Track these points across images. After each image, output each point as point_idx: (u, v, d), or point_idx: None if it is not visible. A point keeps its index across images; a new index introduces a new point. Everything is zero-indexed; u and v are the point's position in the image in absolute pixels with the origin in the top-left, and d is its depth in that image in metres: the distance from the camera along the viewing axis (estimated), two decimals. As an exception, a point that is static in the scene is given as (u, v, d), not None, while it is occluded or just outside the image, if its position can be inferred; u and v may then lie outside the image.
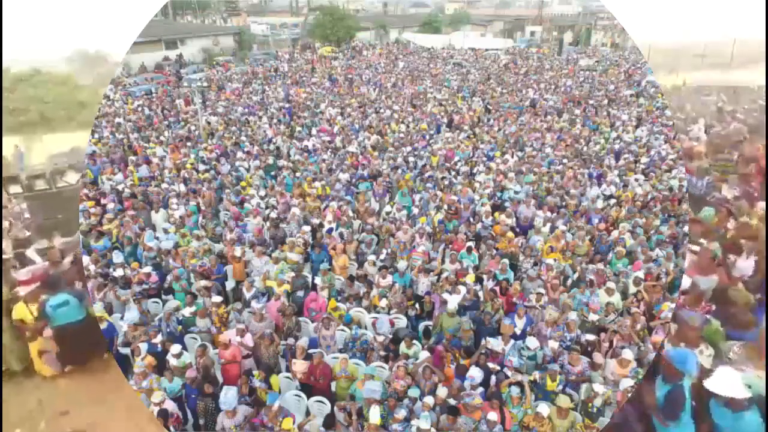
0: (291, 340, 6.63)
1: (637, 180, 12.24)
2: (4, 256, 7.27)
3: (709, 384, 3.97)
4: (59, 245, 7.93)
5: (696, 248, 6.64)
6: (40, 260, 7.44)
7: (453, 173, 12.77)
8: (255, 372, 6.05)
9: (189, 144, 15.09)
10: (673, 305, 6.73)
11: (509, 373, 6.10)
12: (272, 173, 12.95)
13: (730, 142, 11.44)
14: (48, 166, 10.59)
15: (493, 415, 5.26)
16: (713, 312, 5.54)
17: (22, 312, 6.27)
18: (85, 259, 8.32)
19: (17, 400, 6.13)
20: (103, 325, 6.65)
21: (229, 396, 5.36)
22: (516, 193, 11.42)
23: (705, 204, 8.53)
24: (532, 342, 6.33)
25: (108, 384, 6.41)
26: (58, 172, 9.28)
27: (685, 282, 5.99)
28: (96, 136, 15.74)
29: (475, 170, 13.01)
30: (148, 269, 8.17)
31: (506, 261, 8.54)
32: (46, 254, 7.59)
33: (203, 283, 7.94)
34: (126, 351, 6.79)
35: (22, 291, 6.42)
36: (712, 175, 9.60)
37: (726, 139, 11.74)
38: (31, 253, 7.62)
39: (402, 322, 7.47)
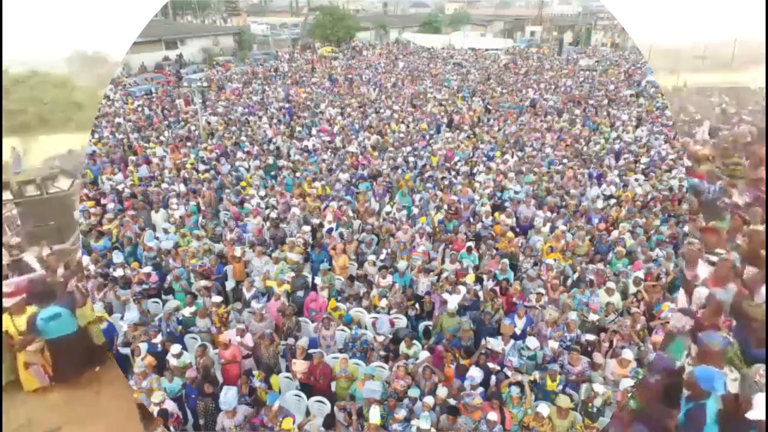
0: (291, 340, 6.64)
1: (637, 180, 12.24)
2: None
3: (751, 415, 3.75)
4: (48, 254, 7.74)
5: (714, 259, 6.25)
6: (39, 267, 7.30)
7: (453, 173, 12.77)
8: (255, 372, 6.05)
9: (189, 144, 15.09)
10: (673, 305, 6.71)
11: (509, 373, 6.10)
12: (272, 173, 12.96)
13: (739, 145, 11.03)
14: (45, 169, 10.48)
15: (493, 415, 5.26)
16: (734, 329, 5.24)
17: (6, 324, 6.11)
18: (85, 259, 8.33)
19: (6, 415, 5.91)
20: (103, 325, 6.64)
21: (229, 396, 5.36)
22: (516, 193, 11.42)
23: (716, 210, 8.11)
24: (532, 342, 6.33)
25: (102, 397, 6.27)
26: (50, 178, 8.96)
27: (702, 293, 5.62)
28: (96, 136, 15.74)
29: (475, 170, 13.01)
30: (148, 269, 8.17)
31: (506, 261, 8.54)
32: (45, 262, 7.45)
33: (203, 283, 7.94)
34: (126, 351, 6.78)
35: (6, 303, 6.25)
36: (723, 179, 9.20)
37: (734, 142, 11.38)
38: (31, 259, 7.48)
39: (402, 322, 7.47)
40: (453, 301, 7.11)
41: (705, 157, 10.39)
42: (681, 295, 5.86)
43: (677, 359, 4.93)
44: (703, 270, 6.16)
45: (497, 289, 7.77)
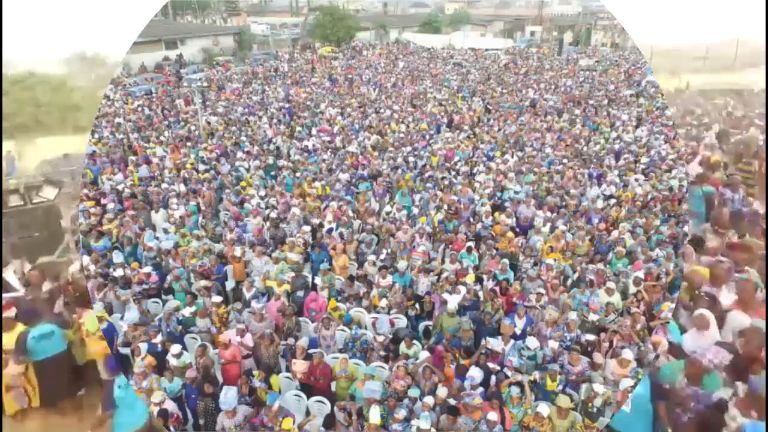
0: (291, 340, 6.63)
1: (637, 180, 12.23)
2: None
3: None
4: (30, 269, 7.33)
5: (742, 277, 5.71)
6: (18, 285, 6.88)
7: (453, 173, 12.77)
8: (255, 372, 6.05)
9: (189, 144, 15.09)
10: (673, 305, 6.71)
11: (509, 373, 6.09)
12: (272, 173, 12.96)
13: (751, 151, 10.39)
14: (38, 172, 10.21)
15: (493, 415, 5.26)
16: None
17: None
18: (85, 259, 8.33)
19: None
20: (103, 325, 6.63)
21: (229, 396, 5.36)
22: (516, 193, 11.42)
23: (740, 220, 7.51)
24: (532, 342, 6.33)
25: (85, 422, 5.92)
26: (34, 187, 8.51)
27: (742, 322, 5.03)
28: (96, 136, 15.74)
29: (475, 170, 13.01)
30: (148, 269, 8.16)
31: (506, 261, 8.54)
32: (27, 278, 7.03)
33: (203, 283, 7.94)
34: (126, 351, 6.78)
35: None
36: (742, 187, 8.60)
37: (747, 147, 10.69)
38: (10, 277, 7.01)
39: (402, 322, 7.47)
40: (453, 301, 7.10)
41: (717, 164, 9.94)
42: (707, 318, 5.18)
43: (714, 391, 4.57)
44: (726, 293, 5.65)
45: (497, 289, 7.76)
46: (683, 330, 5.69)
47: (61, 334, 5.93)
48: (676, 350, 5.52)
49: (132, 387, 5.37)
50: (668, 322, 6.42)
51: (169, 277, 8.20)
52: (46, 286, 6.92)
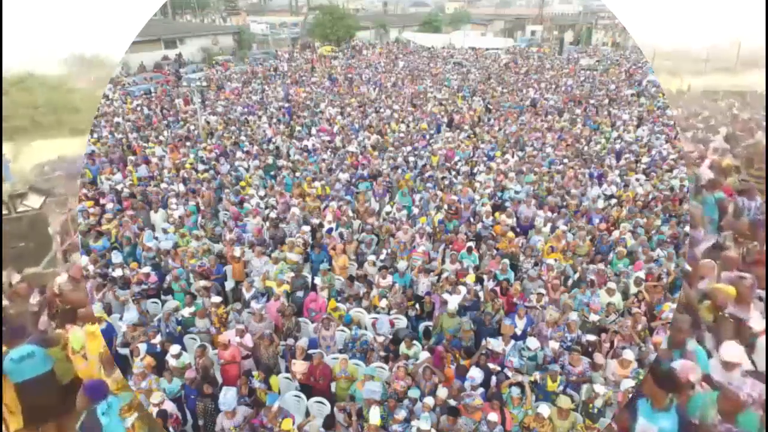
0: (291, 341, 6.62)
1: (638, 180, 12.22)
2: None
3: None
4: (17, 281, 6.94)
5: (762, 294, 5.30)
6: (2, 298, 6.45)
7: (453, 173, 12.75)
8: (254, 373, 6.03)
9: (188, 144, 15.07)
10: (674, 305, 6.67)
11: (510, 374, 6.08)
12: (272, 173, 12.94)
13: (762, 155, 10.24)
14: (31, 175, 10.02)
15: (493, 416, 5.24)
16: None
17: None
18: (84, 260, 8.30)
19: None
20: (102, 326, 6.61)
21: (228, 397, 5.33)
22: (516, 193, 11.40)
23: (757, 229, 6.95)
24: (532, 342, 6.31)
25: None
26: (18, 196, 8.14)
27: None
28: (95, 135, 15.73)
29: (475, 170, 12.99)
30: (147, 269, 8.15)
31: (507, 261, 8.51)
32: (14, 290, 6.63)
33: (202, 283, 7.91)
34: (125, 351, 6.76)
35: None
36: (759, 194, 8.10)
37: (757, 152, 10.52)
38: None
39: (402, 322, 7.45)
40: (453, 302, 7.09)
41: (729, 168, 9.57)
42: (733, 347, 4.68)
43: (751, 431, 4.06)
44: (756, 315, 5.16)
45: (498, 289, 7.74)
46: (709, 354, 5.18)
47: (43, 354, 5.59)
48: (706, 379, 4.93)
49: (115, 411, 5.01)
50: (668, 323, 6.39)
51: (168, 278, 8.17)
52: (33, 298, 6.58)
